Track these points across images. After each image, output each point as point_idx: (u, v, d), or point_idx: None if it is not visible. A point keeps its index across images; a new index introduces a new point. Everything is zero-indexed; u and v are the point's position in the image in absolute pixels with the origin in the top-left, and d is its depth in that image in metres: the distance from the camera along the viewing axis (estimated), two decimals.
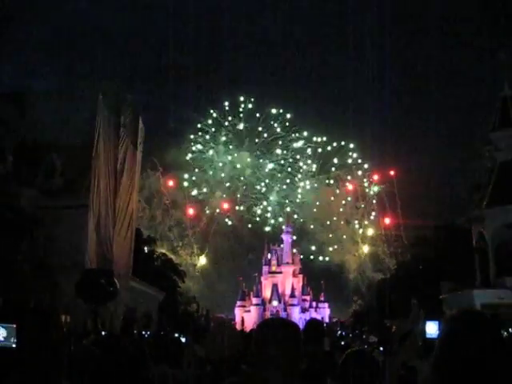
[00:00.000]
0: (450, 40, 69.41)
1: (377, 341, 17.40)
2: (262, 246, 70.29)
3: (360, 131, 74.11)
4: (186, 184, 71.42)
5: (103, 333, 14.11)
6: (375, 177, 73.06)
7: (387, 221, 67.36)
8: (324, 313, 64.33)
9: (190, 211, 70.09)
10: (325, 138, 72.79)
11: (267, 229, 72.52)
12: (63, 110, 25.79)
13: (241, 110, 72.87)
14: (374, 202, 71.35)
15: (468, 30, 64.52)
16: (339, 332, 29.85)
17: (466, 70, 68.24)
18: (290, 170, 74.12)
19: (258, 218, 72.58)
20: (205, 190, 71.89)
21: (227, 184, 72.53)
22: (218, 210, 71.80)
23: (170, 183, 68.64)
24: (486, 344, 1.73)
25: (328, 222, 70.75)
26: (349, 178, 73.74)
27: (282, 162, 74.08)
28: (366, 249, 69.90)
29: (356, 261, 69.20)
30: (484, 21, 60.92)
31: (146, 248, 41.74)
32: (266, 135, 73.71)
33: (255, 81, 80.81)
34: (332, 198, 71.86)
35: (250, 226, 71.43)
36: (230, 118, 72.78)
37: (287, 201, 73.44)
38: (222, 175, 72.70)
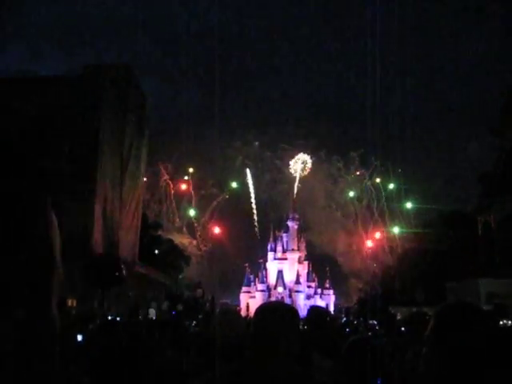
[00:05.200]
0: (459, 26, 68.80)
1: (377, 323, 17.35)
2: (267, 233, 70.68)
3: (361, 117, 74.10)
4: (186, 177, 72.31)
5: (109, 317, 14.22)
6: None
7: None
8: (329, 300, 64.49)
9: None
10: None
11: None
12: (70, 95, 25.71)
13: None
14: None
15: (480, 17, 64.00)
16: (344, 319, 29.89)
17: (476, 58, 67.77)
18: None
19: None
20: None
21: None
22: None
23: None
24: (477, 336, 1.74)
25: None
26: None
27: None
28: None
29: (344, 242, 70.39)
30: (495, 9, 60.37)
31: (151, 233, 41.92)
32: None
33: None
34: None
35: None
36: None
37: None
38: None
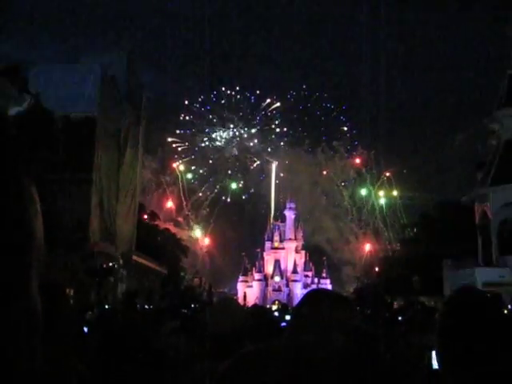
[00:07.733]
0: (457, 15, 68.49)
1: (373, 312, 17.25)
2: (264, 222, 70.84)
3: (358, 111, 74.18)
4: (182, 168, 72.63)
5: (106, 306, 14.22)
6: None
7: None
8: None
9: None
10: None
11: None
12: (66, 84, 25.59)
13: None
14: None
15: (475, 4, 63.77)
16: None
17: (473, 47, 67.55)
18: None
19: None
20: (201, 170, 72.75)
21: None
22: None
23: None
24: (486, 324, 1.73)
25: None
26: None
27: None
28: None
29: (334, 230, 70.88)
30: None
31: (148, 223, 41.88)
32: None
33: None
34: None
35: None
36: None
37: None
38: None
